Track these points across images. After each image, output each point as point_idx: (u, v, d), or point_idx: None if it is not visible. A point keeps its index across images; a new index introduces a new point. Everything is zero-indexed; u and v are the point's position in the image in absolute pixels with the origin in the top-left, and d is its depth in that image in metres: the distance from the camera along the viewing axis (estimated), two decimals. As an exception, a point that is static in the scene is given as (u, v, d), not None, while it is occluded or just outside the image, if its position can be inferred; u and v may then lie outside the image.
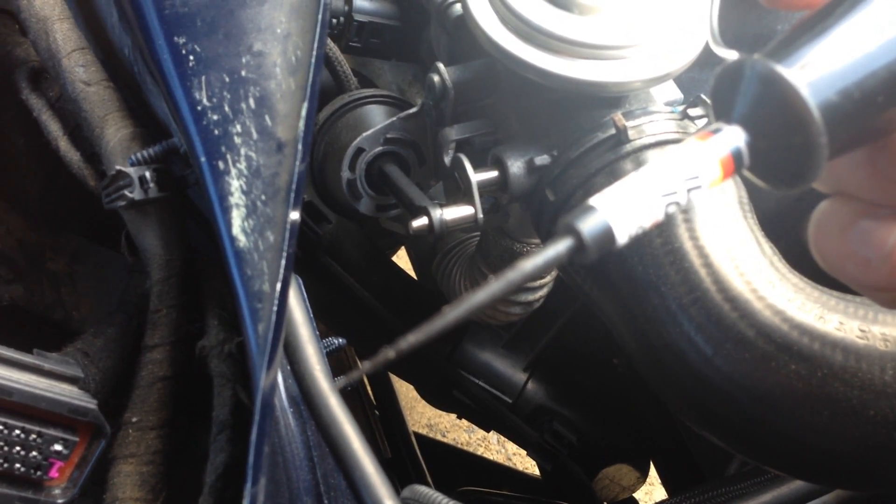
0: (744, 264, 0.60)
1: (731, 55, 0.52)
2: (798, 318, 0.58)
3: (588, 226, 0.32)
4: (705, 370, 0.59)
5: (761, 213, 0.65)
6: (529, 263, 0.32)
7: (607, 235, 0.32)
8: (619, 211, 0.32)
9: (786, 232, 0.66)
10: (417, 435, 1.53)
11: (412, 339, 0.33)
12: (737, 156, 0.33)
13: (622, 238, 0.32)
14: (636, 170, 0.62)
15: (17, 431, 0.59)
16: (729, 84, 0.34)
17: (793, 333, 0.57)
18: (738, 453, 0.66)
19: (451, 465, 1.64)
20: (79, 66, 0.70)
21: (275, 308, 0.52)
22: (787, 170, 0.33)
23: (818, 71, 0.32)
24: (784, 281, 0.60)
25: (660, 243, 0.62)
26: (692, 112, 0.67)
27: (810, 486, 0.83)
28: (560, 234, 0.32)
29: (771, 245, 0.62)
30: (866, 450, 0.57)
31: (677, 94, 0.72)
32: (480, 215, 0.69)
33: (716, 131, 0.33)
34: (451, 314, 0.32)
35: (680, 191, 0.33)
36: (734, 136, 0.33)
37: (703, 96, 0.67)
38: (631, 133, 0.64)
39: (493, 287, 0.32)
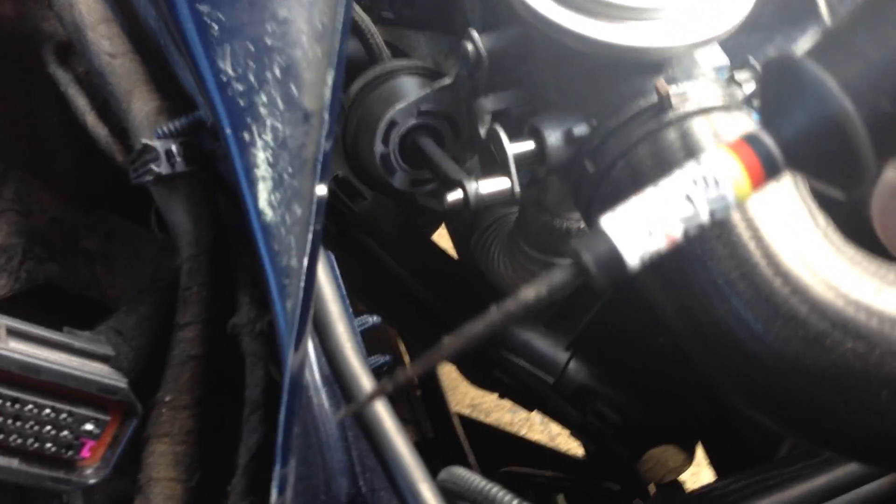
0: (795, 237, 0.58)
1: None
2: (854, 294, 0.55)
3: (594, 253, 0.30)
4: (755, 349, 0.57)
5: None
6: (531, 293, 0.31)
7: (615, 262, 0.30)
8: (630, 234, 0.30)
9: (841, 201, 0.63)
10: (460, 415, 1.52)
11: (410, 371, 0.33)
12: (767, 164, 0.31)
13: (633, 262, 0.30)
14: (681, 138, 0.60)
15: (48, 410, 0.59)
16: (776, 82, 0.31)
17: (848, 309, 0.55)
18: (789, 435, 0.63)
19: (494, 446, 1.63)
20: (104, 39, 0.69)
21: (302, 284, 0.51)
22: (835, 175, 0.31)
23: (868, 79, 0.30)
24: (839, 254, 0.57)
25: (706, 215, 0.59)
26: (739, 77, 0.64)
27: (865, 469, 0.80)
28: (565, 261, 0.30)
29: (825, 215, 0.59)
30: (926, 431, 0.54)
31: (723, 60, 0.69)
32: (517, 188, 0.66)
33: (747, 138, 0.31)
34: (448, 346, 0.31)
35: (702, 209, 0.30)
36: (766, 143, 0.30)
37: (752, 59, 0.64)
38: (674, 100, 0.61)
39: (492, 317, 0.31)
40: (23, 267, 0.80)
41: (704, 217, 0.31)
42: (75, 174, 0.89)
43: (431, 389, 1.59)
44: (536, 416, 2.26)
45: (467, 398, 2.30)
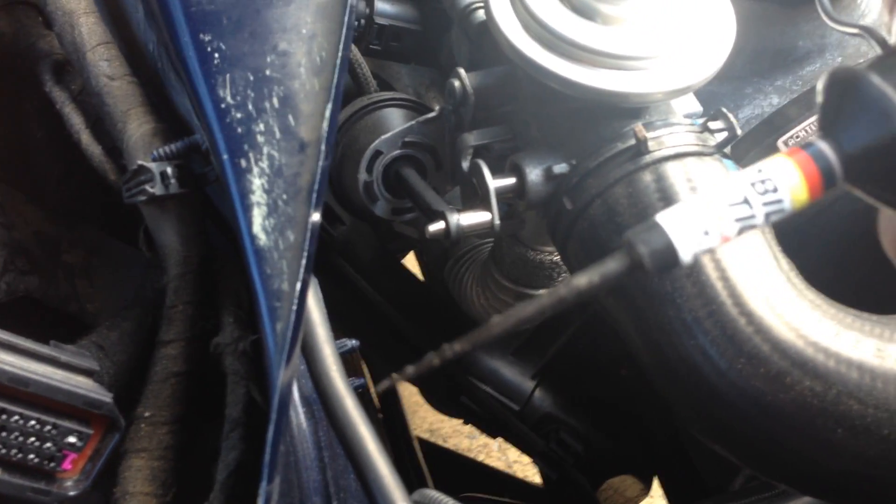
0: (760, 279, 0.60)
1: (850, 30, 0.50)
2: (814, 335, 0.58)
3: (650, 246, 0.31)
4: (719, 384, 0.59)
5: (778, 228, 0.65)
6: (584, 279, 0.31)
7: (670, 256, 0.31)
8: (686, 231, 0.31)
9: (803, 248, 0.66)
10: (419, 440, 1.53)
11: (457, 346, 0.32)
12: (826, 174, 0.32)
13: (687, 257, 0.31)
14: (655, 181, 0.63)
15: (33, 422, 0.59)
16: (839, 94, 0.32)
17: (808, 350, 0.57)
18: (749, 467, 0.65)
19: (452, 471, 1.64)
20: (103, 61, 0.70)
21: (294, 307, 0.52)
22: (892, 192, 0.32)
23: None
24: (800, 297, 0.60)
25: (677, 255, 0.61)
26: (712, 125, 0.67)
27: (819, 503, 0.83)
28: (619, 250, 0.31)
29: (788, 260, 0.62)
30: (879, 469, 0.56)
31: (697, 107, 0.72)
32: (497, 221, 0.69)
33: (806, 147, 0.32)
34: (498, 325, 0.31)
35: (758, 212, 0.31)
36: (826, 154, 0.32)
37: (724, 110, 0.67)
38: (651, 144, 0.64)
39: (543, 301, 0.31)
40: (3, 279, 0.80)
41: (760, 220, 0.32)
42: (59, 189, 0.89)
43: (393, 413, 1.59)
44: (494, 443, 2.27)
45: (426, 423, 2.30)
